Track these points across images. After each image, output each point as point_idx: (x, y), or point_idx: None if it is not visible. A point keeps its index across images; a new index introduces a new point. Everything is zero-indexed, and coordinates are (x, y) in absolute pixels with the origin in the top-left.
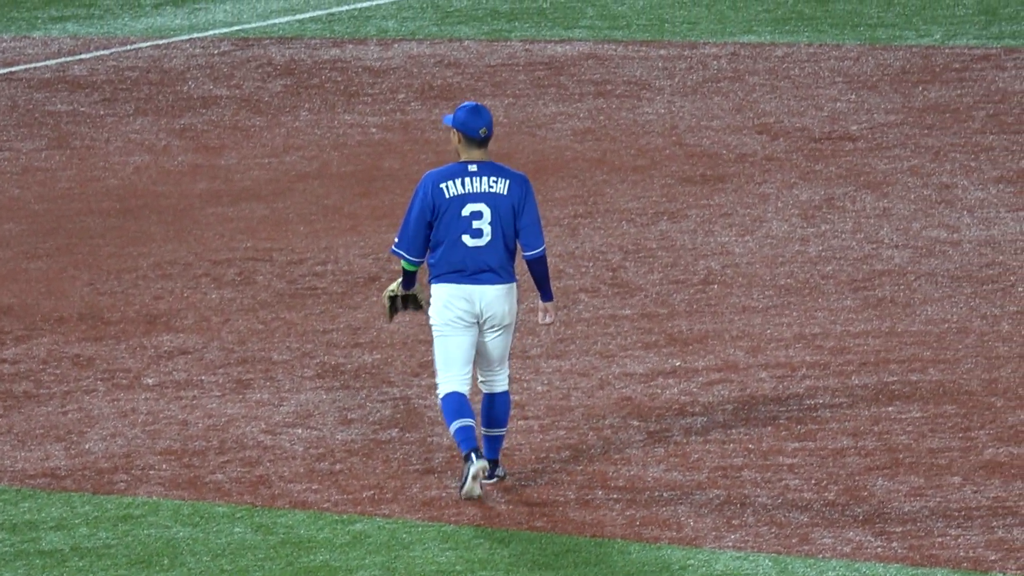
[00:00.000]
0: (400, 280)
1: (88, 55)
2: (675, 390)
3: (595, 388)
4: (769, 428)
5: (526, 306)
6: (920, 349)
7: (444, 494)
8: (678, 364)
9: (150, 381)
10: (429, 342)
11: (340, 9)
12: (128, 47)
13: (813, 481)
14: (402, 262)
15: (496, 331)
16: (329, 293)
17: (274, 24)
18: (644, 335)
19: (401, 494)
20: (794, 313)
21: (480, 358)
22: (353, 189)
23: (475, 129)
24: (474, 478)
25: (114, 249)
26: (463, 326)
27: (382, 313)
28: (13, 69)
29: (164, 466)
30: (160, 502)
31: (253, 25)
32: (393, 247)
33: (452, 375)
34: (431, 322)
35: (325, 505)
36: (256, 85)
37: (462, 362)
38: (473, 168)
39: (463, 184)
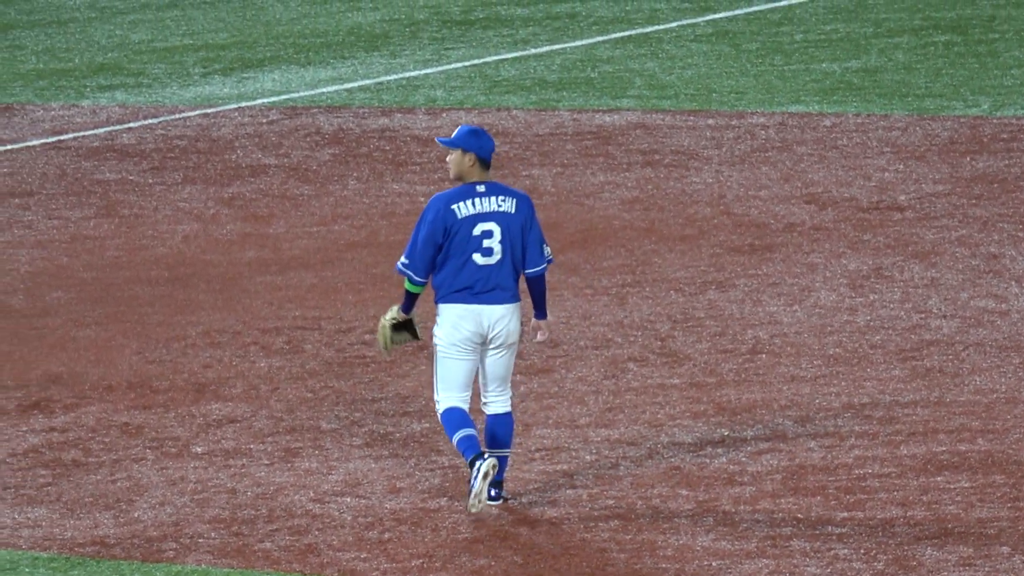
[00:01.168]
0: (398, 306)
1: (137, 124)
2: (723, 459)
3: (644, 457)
4: (818, 498)
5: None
6: (969, 419)
7: (494, 562)
8: (726, 433)
9: (199, 449)
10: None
11: (388, 78)
12: (177, 116)
13: (862, 551)
14: (407, 283)
15: (501, 350)
16: (378, 362)
17: (322, 93)
18: (693, 404)
19: (450, 563)
20: (843, 383)
21: (484, 379)
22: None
23: (490, 151)
24: (484, 477)
25: (163, 317)
26: (469, 349)
27: (380, 344)
28: (62, 138)
29: (213, 534)
30: (209, 570)
31: (301, 94)
32: (400, 265)
33: (452, 396)
34: (435, 341)
35: (374, 574)
36: (304, 154)
37: (463, 385)
38: (481, 188)
39: (473, 204)
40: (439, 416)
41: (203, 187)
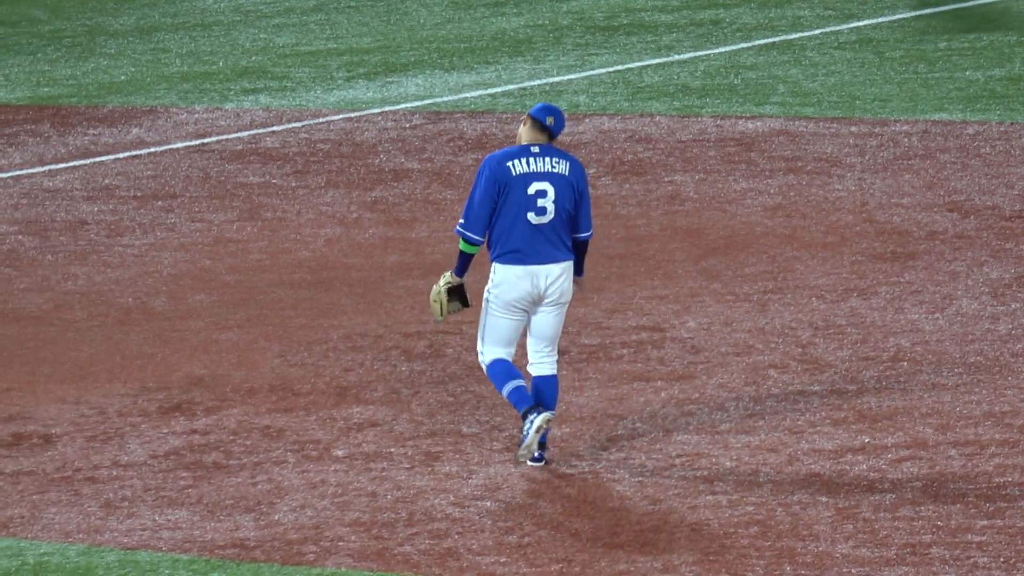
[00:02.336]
0: (451, 271)
1: (280, 127)
2: (864, 466)
3: (784, 464)
4: (958, 506)
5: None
6: None
7: (632, 568)
8: (867, 441)
9: (340, 452)
10: (619, 416)
11: (531, 84)
12: (320, 119)
13: (1002, 559)
14: (461, 243)
15: (553, 308)
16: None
17: (465, 98)
18: (833, 411)
19: (589, 568)
20: (983, 391)
21: (533, 339)
22: None
23: (543, 115)
24: (537, 430)
25: (305, 321)
26: (520, 309)
27: (436, 312)
28: (205, 140)
29: (353, 538)
30: (349, 574)
31: (445, 99)
32: (458, 227)
33: (498, 350)
34: (487, 296)
35: None
36: (447, 158)
37: (509, 341)
38: (535, 149)
39: (527, 163)
40: (484, 368)
41: (346, 191)
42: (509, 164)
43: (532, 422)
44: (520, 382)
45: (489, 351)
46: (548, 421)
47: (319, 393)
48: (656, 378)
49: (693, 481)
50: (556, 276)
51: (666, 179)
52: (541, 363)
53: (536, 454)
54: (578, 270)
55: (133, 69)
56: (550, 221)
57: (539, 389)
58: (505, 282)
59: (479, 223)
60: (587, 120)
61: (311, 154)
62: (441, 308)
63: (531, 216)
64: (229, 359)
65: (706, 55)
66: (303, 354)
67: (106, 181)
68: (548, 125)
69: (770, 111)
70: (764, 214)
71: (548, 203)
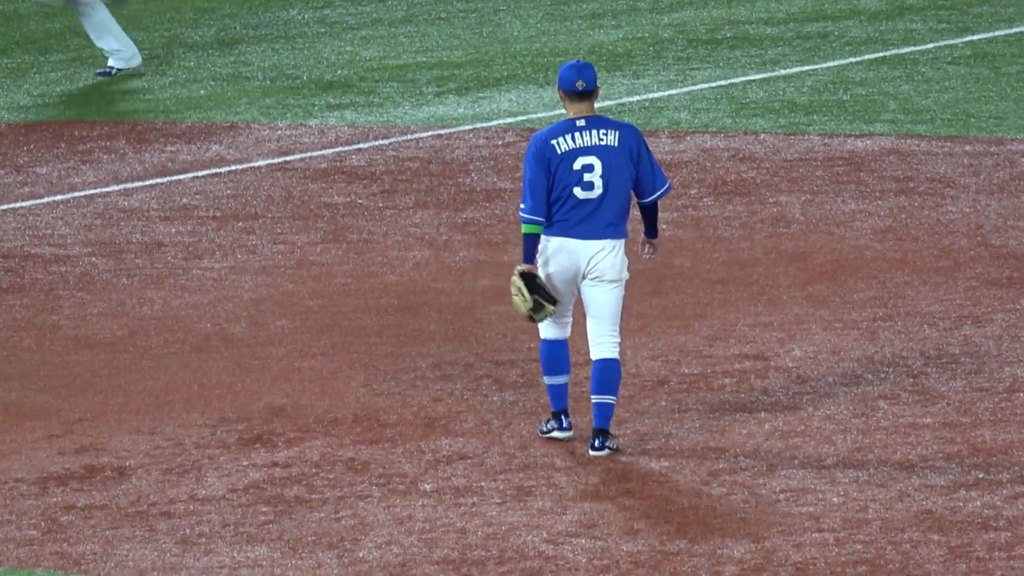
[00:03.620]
0: (520, 267)
1: (367, 144)
2: (978, 503)
3: (894, 500)
4: None
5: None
6: None
7: None
8: (981, 476)
9: (427, 487)
10: (720, 449)
11: (630, 100)
12: (408, 136)
13: None
14: (524, 226)
15: (600, 284)
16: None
17: (561, 114)
18: (946, 445)
19: None
20: None
21: (589, 319)
22: (642, 288)
23: (571, 82)
24: (549, 437)
25: (391, 348)
26: (563, 279)
27: (520, 306)
28: (288, 158)
29: (441, 575)
30: None
31: (539, 115)
32: (521, 213)
33: (550, 326)
34: (538, 266)
35: None
36: None
37: (561, 307)
38: (581, 123)
39: (573, 139)
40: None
41: (435, 212)
42: (554, 143)
43: (551, 429)
44: (560, 379)
45: (543, 324)
46: (568, 439)
47: (406, 424)
48: (759, 409)
49: (798, 518)
50: (596, 251)
51: (771, 200)
52: (599, 345)
53: (597, 442)
54: (650, 231)
55: (213, 83)
56: (598, 196)
57: (597, 374)
58: (545, 252)
59: (539, 204)
60: (688, 138)
61: (399, 173)
62: (524, 299)
63: (577, 191)
64: (312, 388)
65: (813, 70)
66: (389, 383)
67: (184, 200)
68: (580, 89)
69: (880, 129)
70: (874, 237)
71: (595, 178)
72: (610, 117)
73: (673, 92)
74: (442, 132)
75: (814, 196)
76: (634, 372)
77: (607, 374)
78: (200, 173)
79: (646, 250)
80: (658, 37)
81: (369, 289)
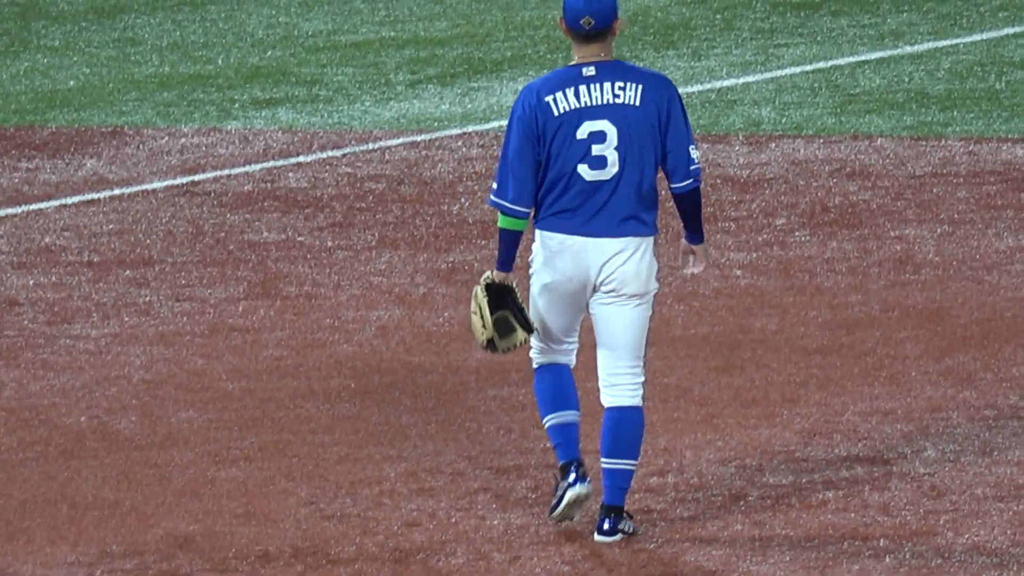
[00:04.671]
0: (493, 268)
1: (309, 157)
2: None
3: None
4: None
5: (666, 266)
6: None
7: None
8: None
9: None
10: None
11: (690, 89)
12: (370, 145)
13: None
14: (500, 217)
15: (616, 300)
16: (670, 517)
17: None
18: None
19: None
20: None
21: (600, 349)
22: (706, 360)
23: (576, 18)
24: (570, 504)
25: (347, 450)
26: (563, 295)
27: (479, 334)
28: (196, 178)
29: None
30: None
31: None
32: (491, 196)
33: (548, 349)
34: (531, 271)
35: None
36: None
37: (561, 331)
38: (590, 72)
39: (577, 95)
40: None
41: (409, 253)
42: (549, 100)
43: (565, 491)
44: (566, 416)
45: (538, 346)
46: (587, 496)
47: (368, 559)
48: (878, 535)
49: None
50: (611, 255)
51: (892, 233)
52: (614, 387)
53: (607, 524)
54: (691, 233)
55: (87, 70)
56: (613, 177)
57: (611, 427)
58: (541, 254)
59: (518, 185)
60: (773, 144)
61: (356, 197)
62: (484, 323)
63: (583, 170)
64: (232, 508)
65: (953, 46)
66: (344, 500)
67: (46, 240)
68: (588, 29)
69: None
70: None
71: (608, 151)
72: (634, 64)
73: (751, 79)
74: (419, 139)
75: (954, 227)
76: (695, 482)
77: (625, 428)
78: (69, 200)
79: (689, 262)
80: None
81: (314, 365)
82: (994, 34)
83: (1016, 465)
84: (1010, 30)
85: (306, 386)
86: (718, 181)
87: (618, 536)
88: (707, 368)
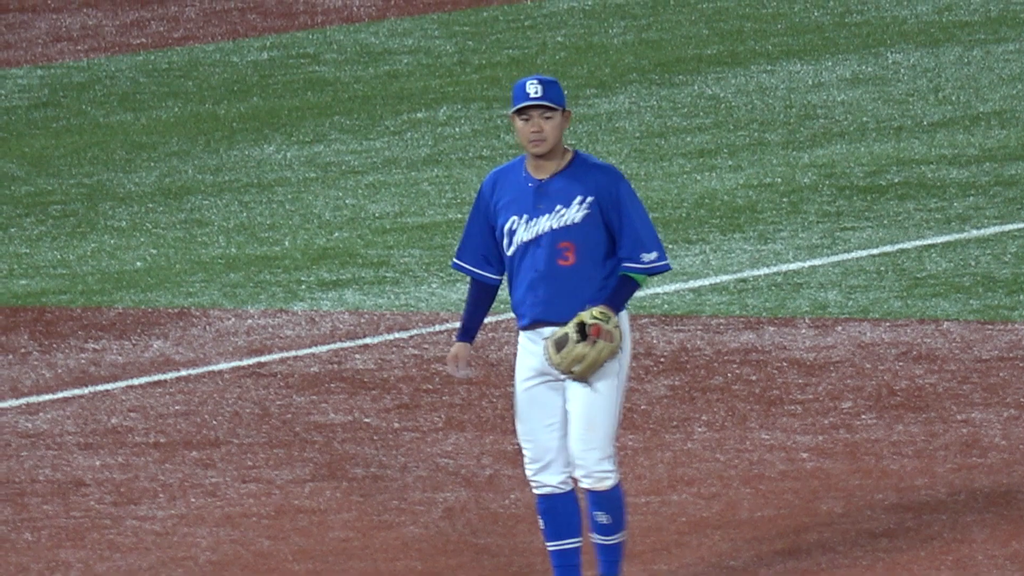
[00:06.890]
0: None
1: (376, 339)
2: None
3: None
4: None
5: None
6: None
7: None
8: None
9: None
10: None
11: (753, 273)
12: (438, 327)
13: None
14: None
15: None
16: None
17: (657, 294)
18: None
19: None
20: None
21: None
22: (772, 544)
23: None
24: None
25: None
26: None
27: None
28: (263, 359)
29: None
30: None
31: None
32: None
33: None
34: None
35: None
36: (631, 384)
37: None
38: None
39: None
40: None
41: (476, 435)
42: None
43: None
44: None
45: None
46: None
47: None
48: None
49: None
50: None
51: (959, 417)
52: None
53: None
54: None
55: (154, 251)
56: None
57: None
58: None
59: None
60: (839, 328)
61: (423, 379)
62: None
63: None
64: None
65: (1019, 229)
66: None
67: (113, 421)
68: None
69: None
70: None
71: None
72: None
73: (817, 262)
74: (488, 320)
75: (1021, 412)
76: None
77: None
78: (136, 381)
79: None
80: (795, 183)
81: (380, 547)
82: None
83: None
84: None
85: (372, 568)
86: (784, 364)
87: None
88: (773, 551)
